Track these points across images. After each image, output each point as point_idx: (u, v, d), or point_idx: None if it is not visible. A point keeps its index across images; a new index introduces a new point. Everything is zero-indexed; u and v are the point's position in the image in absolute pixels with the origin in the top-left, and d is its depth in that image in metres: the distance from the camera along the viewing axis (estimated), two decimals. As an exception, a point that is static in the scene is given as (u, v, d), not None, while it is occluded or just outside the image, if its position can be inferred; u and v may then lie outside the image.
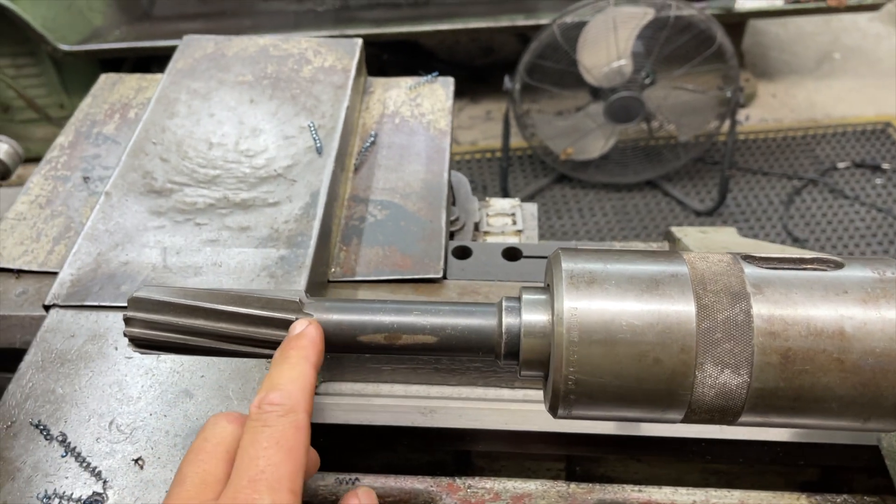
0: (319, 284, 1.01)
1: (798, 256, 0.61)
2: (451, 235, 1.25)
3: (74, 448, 0.77)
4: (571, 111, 3.42)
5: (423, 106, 1.28)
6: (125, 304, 0.64)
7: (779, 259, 0.61)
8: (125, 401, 0.81)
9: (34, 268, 1.02)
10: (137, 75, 1.36)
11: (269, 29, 3.93)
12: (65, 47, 3.38)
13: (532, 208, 1.31)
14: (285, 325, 0.61)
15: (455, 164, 3.84)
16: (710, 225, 3.45)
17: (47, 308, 0.91)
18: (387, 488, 1.00)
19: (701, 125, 3.40)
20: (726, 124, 3.35)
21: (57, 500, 0.73)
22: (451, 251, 1.08)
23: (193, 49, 1.29)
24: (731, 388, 0.56)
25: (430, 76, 1.32)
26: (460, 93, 4.29)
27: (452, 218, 1.25)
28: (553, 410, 0.60)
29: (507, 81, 3.28)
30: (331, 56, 1.28)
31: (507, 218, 1.31)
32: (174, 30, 4.09)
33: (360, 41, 1.31)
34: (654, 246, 1.28)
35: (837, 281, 0.58)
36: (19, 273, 1.03)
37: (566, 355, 0.57)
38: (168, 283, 0.93)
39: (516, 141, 3.62)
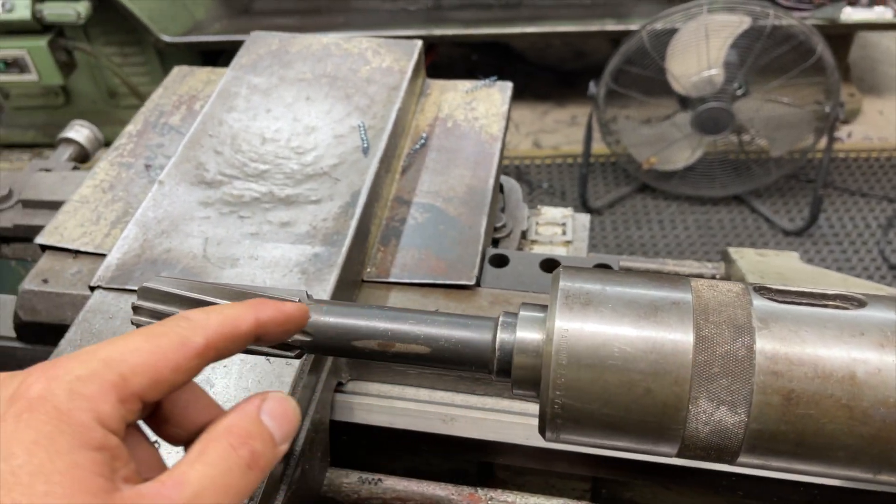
0: (353, 283, 1.01)
1: (820, 292, 0.57)
2: (497, 242, 1.24)
3: (97, 426, 0.80)
4: (657, 120, 3.33)
5: (477, 110, 1.27)
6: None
7: (798, 293, 0.57)
8: (150, 384, 0.84)
9: (90, 249, 1.07)
10: (208, 69, 1.40)
11: (361, 26, 4.00)
12: (167, 38, 3.55)
13: (584, 219, 1.28)
14: (282, 324, 0.62)
15: (535, 169, 3.82)
16: (798, 246, 3.29)
17: (92, 289, 0.95)
18: (409, 492, 1.00)
19: (795, 140, 3.24)
20: (823, 140, 3.18)
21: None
22: (489, 259, 1.07)
23: (259, 45, 1.32)
24: (727, 427, 0.53)
25: (488, 80, 1.31)
26: (546, 96, 4.27)
27: (499, 224, 1.24)
28: (542, 433, 0.58)
29: (591, 86, 3.23)
30: (389, 57, 1.28)
31: (558, 228, 1.28)
32: (271, 24, 4.21)
33: (419, 43, 1.31)
34: (709, 266, 1.23)
35: (855, 321, 0.53)
36: (77, 254, 1.08)
37: (553, 378, 0.55)
38: (204, 273, 0.95)
39: (599, 147, 3.55)
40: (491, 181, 1.15)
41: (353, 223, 1.00)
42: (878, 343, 0.52)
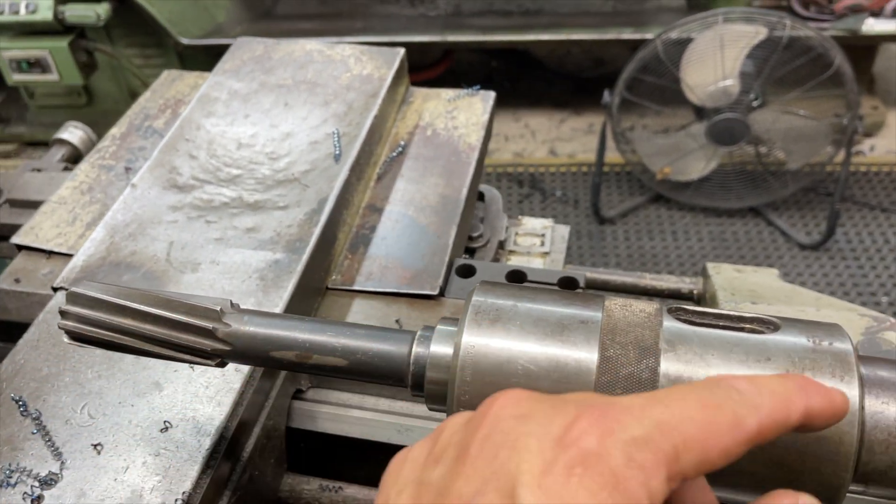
0: (315, 290, 1.02)
1: (738, 314, 0.56)
2: (473, 252, 1.23)
3: (45, 426, 0.81)
4: (672, 129, 3.29)
5: (457, 119, 1.27)
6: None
7: (715, 315, 0.56)
8: (101, 387, 0.85)
9: (64, 250, 1.09)
10: (196, 73, 1.42)
11: (380, 31, 4.01)
12: (186, 41, 3.60)
13: (563, 231, 1.27)
14: (203, 332, 0.62)
15: (550, 176, 3.80)
16: (814, 260, 3.22)
17: (55, 290, 0.97)
18: (369, 500, 1.00)
19: (813, 153, 3.18)
20: (842, 153, 3.11)
21: (17, 474, 0.77)
22: (456, 269, 1.07)
23: (243, 51, 1.34)
24: (629, 450, 0.52)
25: (471, 89, 1.31)
26: (564, 104, 4.25)
27: (475, 234, 1.23)
28: (451, 449, 0.58)
29: (605, 95, 3.20)
30: (370, 64, 1.29)
31: (536, 239, 1.27)
32: (292, 28, 4.26)
33: (402, 51, 1.31)
34: (687, 281, 1.21)
35: (763, 345, 0.52)
36: (50, 254, 1.10)
37: (458, 394, 0.54)
38: (165, 276, 0.96)
39: (613, 156, 3.52)
40: (464, 191, 1.15)
41: (317, 230, 1.01)
42: (783, 369, 0.51)
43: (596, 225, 3.49)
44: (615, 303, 0.56)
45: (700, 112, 3.15)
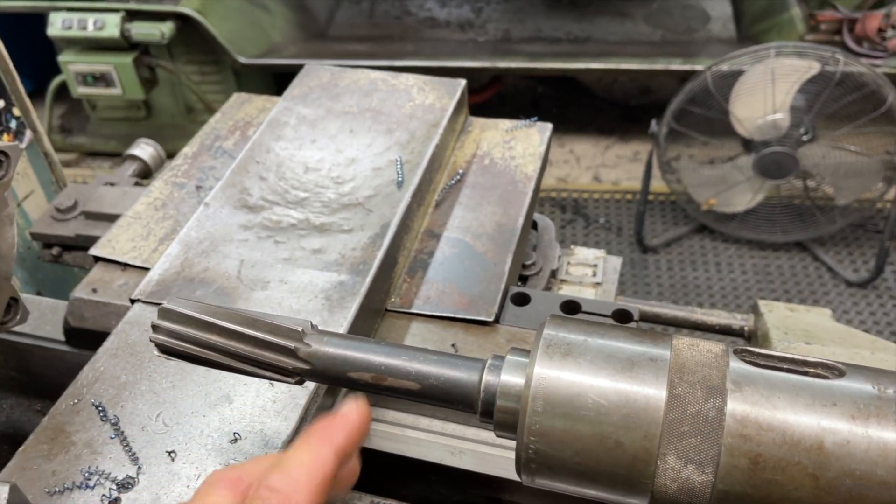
0: (375, 312, 1.05)
1: (802, 359, 0.58)
2: (525, 280, 1.26)
3: (123, 432, 0.85)
4: (718, 161, 3.29)
5: (514, 149, 1.30)
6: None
7: (779, 358, 0.58)
8: (175, 397, 0.89)
9: (138, 263, 1.14)
10: (264, 97, 1.48)
11: (430, 55, 4.08)
12: (243, 60, 3.71)
13: (615, 262, 1.29)
14: (285, 351, 0.66)
15: (594, 203, 3.81)
16: (862, 298, 3.18)
17: (133, 301, 1.02)
18: (418, 519, 1.03)
19: (863, 189, 3.15)
20: (892, 191, 3.08)
21: (96, 477, 0.81)
22: (511, 297, 1.09)
23: (311, 77, 1.39)
24: (694, 485, 0.54)
25: (529, 120, 1.34)
26: (610, 131, 4.27)
27: (529, 262, 1.26)
28: (519, 475, 0.60)
29: (653, 125, 3.21)
30: (432, 94, 1.33)
31: (588, 269, 1.30)
32: (344, 50, 4.36)
33: (463, 82, 1.35)
34: (738, 317, 1.22)
35: (829, 390, 0.54)
36: (125, 266, 1.15)
37: (529, 423, 0.57)
38: (236, 293, 1.01)
39: (658, 185, 3.53)
40: (520, 220, 1.18)
41: (380, 254, 1.04)
42: (849, 414, 0.52)
43: (639, 253, 3.49)
44: (683, 342, 0.59)
45: (748, 144, 3.15)
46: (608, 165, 4.06)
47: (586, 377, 0.57)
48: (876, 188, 3.14)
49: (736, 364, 0.56)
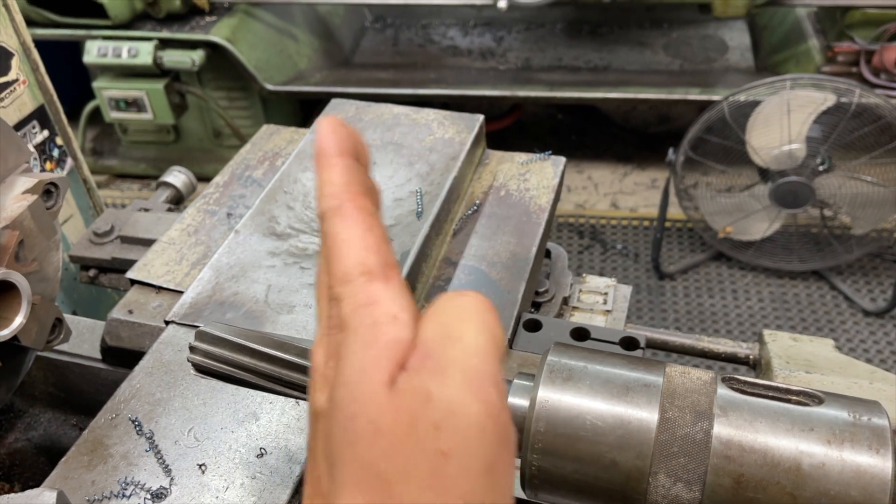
0: (394, 336, 1.11)
1: (786, 387, 0.62)
2: (538, 306, 1.31)
3: (157, 445, 0.92)
4: (736, 189, 3.33)
5: (529, 181, 1.36)
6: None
7: (764, 386, 0.63)
8: (205, 413, 0.95)
9: (171, 286, 1.21)
10: (292, 129, 1.55)
11: (451, 82, 4.17)
12: (270, 87, 3.82)
13: (626, 290, 1.34)
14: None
15: (611, 229, 3.86)
16: (879, 328, 3.18)
17: (167, 323, 1.09)
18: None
19: (880, 219, 3.17)
20: (910, 222, 3.10)
21: (132, 487, 0.87)
22: (523, 323, 1.15)
23: (337, 111, 1.46)
24: (682, 502, 0.59)
25: (542, 154, 1.40)
26: (628, 158, 4.32)
27: (542, 290, 1.31)
28: (523, 490, 0.66)
29: (670, 153, 3.26)
30: (452, 128, 1.40)
31: (599, 297, 1.35)
32: (369, 77, 4.47)
33: (481, 117, 1.42)
34: (744, 346, 1.27)
35: (807, 416, 0.59)
36: (160, 289, 1.22)
37: (532, 442, 0.62)
38: (264, 316, 1.07)
39: (675, 212, 3.57)
40: (534, 249, 1.23)
41: (400, 281, 1.10)
42: (825, 439, 0.57)
43: (655, 280, 3.52)
44: (675, 370, 0.64)
45: (764, 174, 3.19)
46: (626, 192, 4.11)
47: (585, 400, 0.62)
48: (893, 218, 3.16)
49: (723, 391, 0.61)
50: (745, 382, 0.63)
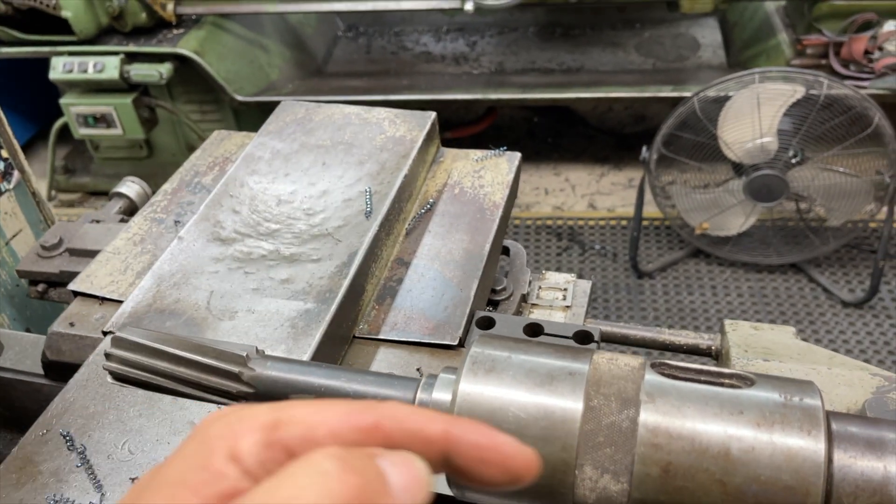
0: (342, 339, 1.08)
1: (718, 370, 0.60)
2: (496, 305, 1.28)
3: (88, 460, 0.88)
4: (711, 185, 3.32)
5: (484, 178, 1.33)
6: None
7: (696, 370, 0.60)
8: (141, 426, 0.92)
9: (115, 297, 1.18)
10: (244, 133, 1.52)
11: (425, 88, 4.15)
12: (240, 98, 3.78)
13: (585, 286, 1.31)
14: (230, 375, 0.69)
15: (589, 230, 3.84)
16: (858, 318, 3.17)
17: (105, 334, 1.05)
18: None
19: (855, 210, 3.16)
20: (884, 210, 3.09)
21: None
22: (476, 321, 1.12)
23: (287, 113, 1.43)
24: (611, 495, 0.56)
25: (497, 150, 1.38)
26: (605, 159, 4.31)
27: (499, 287, 1.28)
28: (449, 487, 0.62)
29: (644, 151, 3.25)
30: (403, 126, 1.37)
31: (559, 293, 1.32)
32: (341, 86, 4.44)
33: (433, 114, 1.39)
34: (706, 337, 1.24)
35: (736, 399, 0.56)
36: (103, 300, 1.18)
37: (454, 438, 0.59)
38: (205, 323, 1.04)
39: (653, 211, 3.55)
40: (487, 246, 1.20)
41: (346, 282, 1.07)
42: (754, 422, 0.54)
43: (634, 279, 3.50)
44: (603, 356, 0.61)
45: (738, 168, 3.18)
46: (603, 193, 4.09)
47: (507, 391, 0.59)
48: (867, 209, 3.15)
49: (651, 377, 0.59)
50: (676, 367, 0.60)
